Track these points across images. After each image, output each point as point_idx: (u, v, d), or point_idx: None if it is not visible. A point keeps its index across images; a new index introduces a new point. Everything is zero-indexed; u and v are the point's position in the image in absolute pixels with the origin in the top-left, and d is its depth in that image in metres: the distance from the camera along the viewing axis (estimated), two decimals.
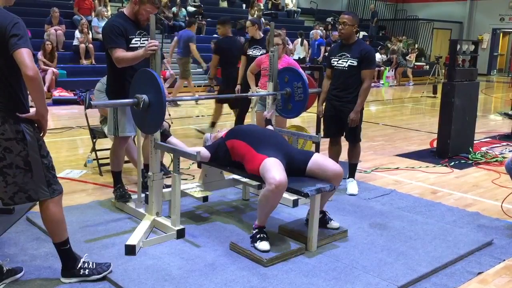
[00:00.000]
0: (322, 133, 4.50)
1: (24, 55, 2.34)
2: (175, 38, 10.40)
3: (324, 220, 3.47)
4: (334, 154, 4.60)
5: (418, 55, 19.47)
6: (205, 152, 3.44)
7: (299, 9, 19.71)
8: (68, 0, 13.51)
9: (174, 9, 14.60)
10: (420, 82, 17.05)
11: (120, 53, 3.53)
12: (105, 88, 4.08)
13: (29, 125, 2.52)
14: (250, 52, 6.03)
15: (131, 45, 3.64)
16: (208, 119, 8.32)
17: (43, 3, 12.62)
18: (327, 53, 5.21)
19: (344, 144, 4.70)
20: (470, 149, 6.17)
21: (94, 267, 2.80)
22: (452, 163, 5.80)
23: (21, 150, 2.49)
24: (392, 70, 16.70)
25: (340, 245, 3.35)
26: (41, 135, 2.57)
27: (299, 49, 14.58)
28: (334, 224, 3.49)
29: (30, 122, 2.52)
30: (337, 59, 4.47)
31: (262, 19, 16.30)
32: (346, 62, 4.39)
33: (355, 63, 4.35)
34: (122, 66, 3.58)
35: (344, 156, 4.82)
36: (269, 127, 4.01)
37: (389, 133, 7.90)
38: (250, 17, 16.44)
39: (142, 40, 3.74)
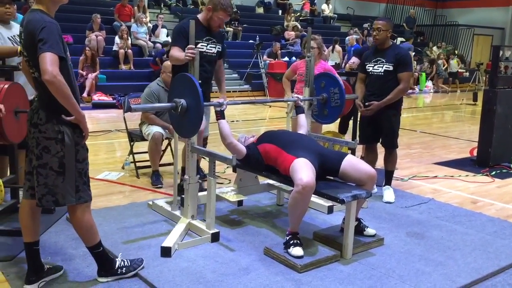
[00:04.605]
0: (357, 140, 4.45)
1: (44, 59, 2.34)
2: None
3: (359, 228, 3.42)
4: (369, 161, 4.52)
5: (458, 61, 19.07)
6: (242, 149, 3.46)
7: (335, 15, 19.60)
8: (109, 6, 13.88)
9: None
10: (460, 89, 16.65)
11: (174, 51, 3.70)
12: (152, 94, 4.32)
13: (71, 128, 2.54)
14: None
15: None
16: (243, 124, 8.36)
17: (85, 10, 13.00)
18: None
19: (380, 151, 4.63)
20: None
21: (129, 264, 2.87)
22: (493, 172, 5.63)
23: (58, 151, 2.52)
24: (430, 80, 16.39)
25: (376, 253, 3.29)
26: (83, 139, 2.60)
27: (333, 56, 14.50)
28: (370, 231, 3.44)
29: (72, 126, 2.55)
30: (372, 65, 4.42)
31: (298, 25, 16.32)
32: (382, 67, 4.35)
33: (391, 68, 4.31)
34: (173, 64, 3.85)
35: (380, 163, 4.74)
36: (301, 116, 3.94)
37: (427, 140, 7.74)
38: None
39: (209, 46, 3.89)
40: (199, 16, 3.92)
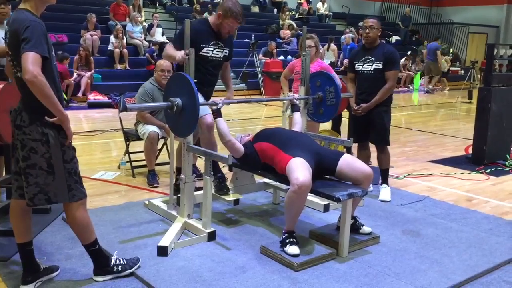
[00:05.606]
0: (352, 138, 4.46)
1: (25, 58, 2.32)
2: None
3: (355, 226, 3.43)
4: (363, 158, 4.55)
5: (453, 59, 19.10)
6: (241, 147, 3.46)
7: (331, 13, 19.61)
8: (104, 6, 13.84)
9: (206, 14, 14.75)
10: (455, 87, 16.70)
11: (169, 48, 3.70)
12: (146, 94, 4.29)
13: (54, 130, 2.51)
14: None
15: (201, 53, 3.71)
16: (239, 124, 8.35)
17: (80, 9, 12.96)
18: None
19: (372, 151, 4.64)
20: (507, 156, 6.01)
21: (125, 262, 2.87)
22: (488, 170, 5.65)
23: (45, 152, 2.51)
24: (423, 78, 16.42)
25: (372, 251, 3.31)
26: (66, 141, 2.55)
27: (328, 54, 14.52)
28: (366, 229, 3.45)
29: (55, 127, 2.52)
30: (362, 63, 4.44)
31: (293, 23, 16.32)
32: (372, 65, 4.37)
33: (381, 66, 4.34)
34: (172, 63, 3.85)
35: (374, 161, 4.75)
36: (297, 114, 3.97)
37: (422, 138, 7.76)
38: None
39: (215, 51, 3.83)
40: (210, 19, 3.87)
